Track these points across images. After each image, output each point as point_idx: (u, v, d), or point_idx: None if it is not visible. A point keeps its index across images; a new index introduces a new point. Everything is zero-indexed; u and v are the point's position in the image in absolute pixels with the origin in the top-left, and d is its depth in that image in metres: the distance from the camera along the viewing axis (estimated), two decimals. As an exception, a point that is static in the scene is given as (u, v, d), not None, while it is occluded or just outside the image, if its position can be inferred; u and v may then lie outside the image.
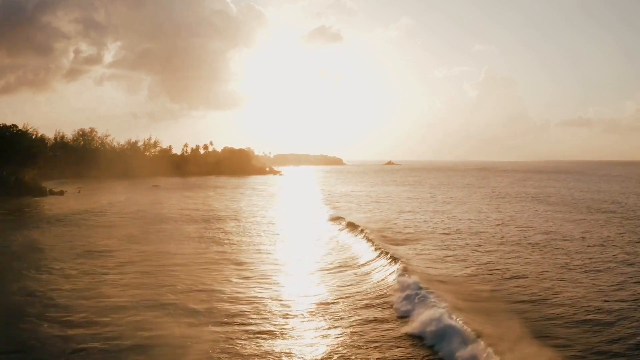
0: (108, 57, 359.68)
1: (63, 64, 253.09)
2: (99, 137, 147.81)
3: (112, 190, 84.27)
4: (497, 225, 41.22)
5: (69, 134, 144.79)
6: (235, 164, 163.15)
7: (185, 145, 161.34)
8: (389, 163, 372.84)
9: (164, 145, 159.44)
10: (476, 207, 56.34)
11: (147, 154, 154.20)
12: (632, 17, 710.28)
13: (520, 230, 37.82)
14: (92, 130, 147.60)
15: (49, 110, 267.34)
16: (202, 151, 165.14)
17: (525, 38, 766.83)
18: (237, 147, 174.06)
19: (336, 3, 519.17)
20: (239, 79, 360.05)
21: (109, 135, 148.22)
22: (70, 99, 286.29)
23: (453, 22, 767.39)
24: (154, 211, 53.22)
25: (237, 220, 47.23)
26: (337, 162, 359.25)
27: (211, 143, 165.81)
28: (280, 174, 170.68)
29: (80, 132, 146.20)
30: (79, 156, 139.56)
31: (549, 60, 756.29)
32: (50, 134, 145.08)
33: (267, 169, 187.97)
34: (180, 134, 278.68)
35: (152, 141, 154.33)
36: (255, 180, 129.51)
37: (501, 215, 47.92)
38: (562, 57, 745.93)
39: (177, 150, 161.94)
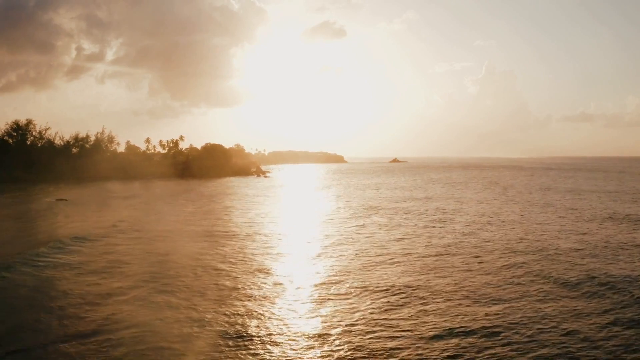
0: (110, 54, 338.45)
1: (65, 61, 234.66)
2: (38, 132, 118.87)
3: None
4: None
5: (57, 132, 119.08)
6: (214, 164, 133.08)
7: (147, 141, 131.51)
8: (395, 160, 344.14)
9: (122, 142, 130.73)
10: None
11: (105, 150, 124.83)
12: (634, 12, 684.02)
13: None
14: (29, 122, 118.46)
15: (51, 108, 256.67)
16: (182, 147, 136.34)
17: (526, 33, 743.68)
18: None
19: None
20: (241, 76, 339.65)
21: (49, 129, 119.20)
22: (71, 97, 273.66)
23: (455, 17, 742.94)
24: None
25: None
26: (338, 159, 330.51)
27: (182, 138, 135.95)
28: (266, 176, 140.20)
29: (14, 125, 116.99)
30: (12, 155, 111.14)
31: (550, 56, 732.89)
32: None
33: (254, 169, 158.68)
34: (181, 132, 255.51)
35: (106, 136, 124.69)
36: (221, 188, 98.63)
37: None
38: (563, 53, 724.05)
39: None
